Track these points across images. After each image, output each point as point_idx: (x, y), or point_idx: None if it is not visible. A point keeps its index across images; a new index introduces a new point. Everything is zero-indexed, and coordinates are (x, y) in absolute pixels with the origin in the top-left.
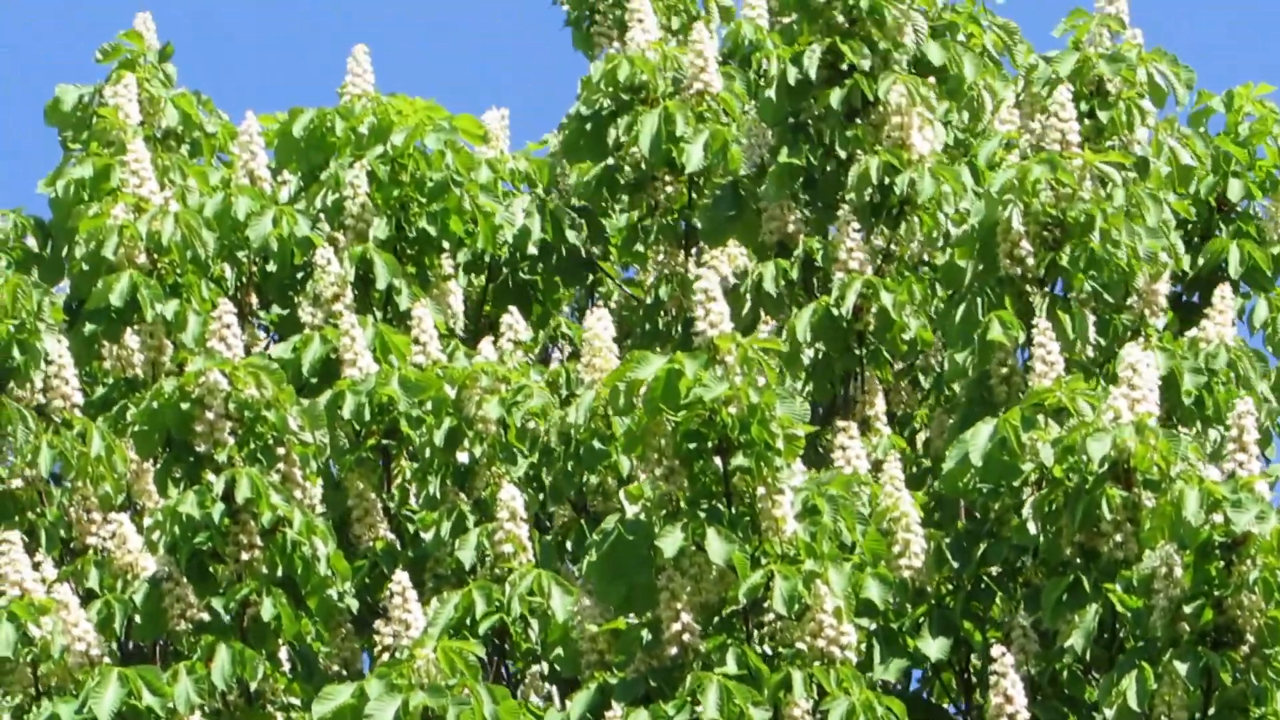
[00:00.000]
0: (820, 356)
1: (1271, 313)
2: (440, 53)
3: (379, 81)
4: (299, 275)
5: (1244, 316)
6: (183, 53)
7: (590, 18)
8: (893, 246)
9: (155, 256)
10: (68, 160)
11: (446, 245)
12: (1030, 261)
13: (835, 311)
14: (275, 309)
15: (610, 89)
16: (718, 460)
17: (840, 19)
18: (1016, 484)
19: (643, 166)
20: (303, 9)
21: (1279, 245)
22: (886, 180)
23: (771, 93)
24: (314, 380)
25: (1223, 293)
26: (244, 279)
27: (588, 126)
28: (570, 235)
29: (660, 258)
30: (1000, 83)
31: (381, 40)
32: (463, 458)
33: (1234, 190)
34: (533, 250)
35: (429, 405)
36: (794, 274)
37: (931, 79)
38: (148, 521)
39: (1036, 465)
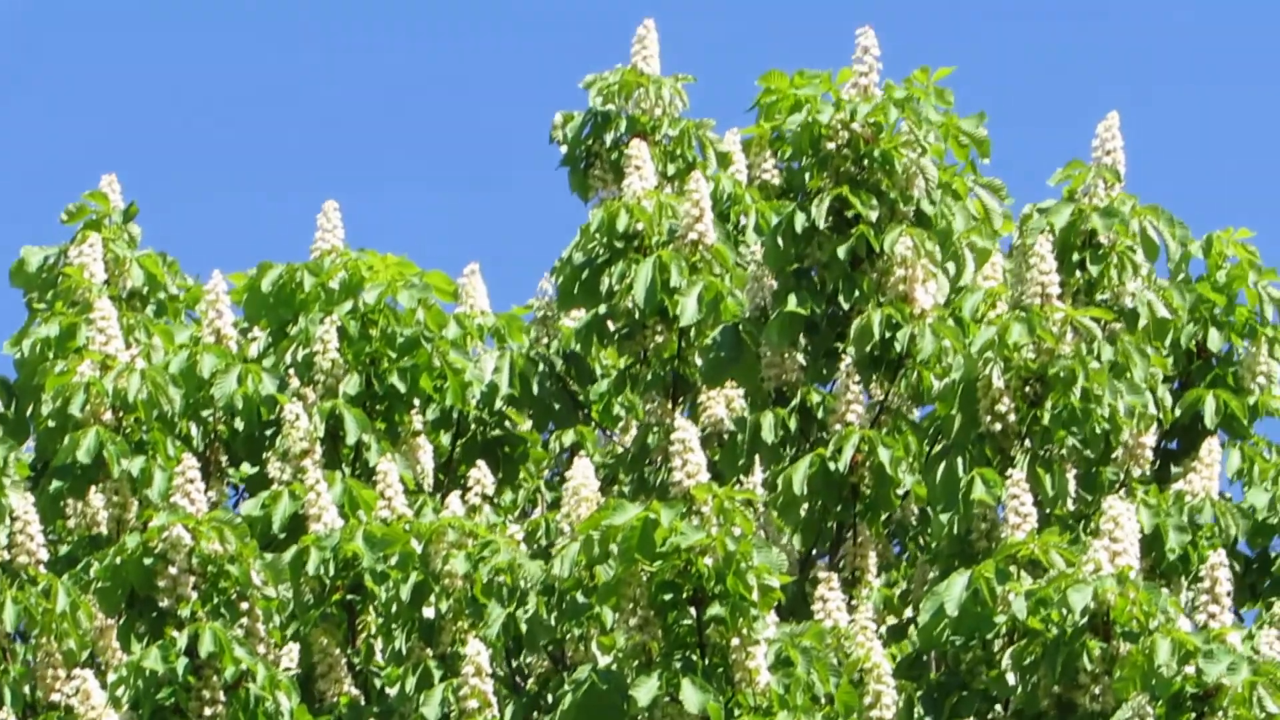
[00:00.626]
0: (815, 508)
1: (1243, 462)
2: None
3: (350, 235)
4: (268, 432)
5: (1222, 465)
6: (149, 211)
7: (587, 160)
8: (891, 400)
9: (121, 413)
10: (33, 320)
11: (416, 401)
12: (1011, 418)
13: (831, 465)
14: (244, 466)
15: (606, 237)
16: (692, 610)
17: (850, 167)
18: (990, 636)
19: (635, 315)
20: (272, 165)
21: (1256, 394)
22: (888, 335)
23: (778, 239)
24: (283, 536)
25: (1210, 446)
26: (210, 436)
27: (583, 274)
28: (539, 391)
29: (649, 408)
30: (986, 239)
31: (352, 195)
32: (428, 613)
33: (1213, 339)
34: (501, 407)
35: (394, 560)
36: (791, 423)
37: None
38: (111, 677)
39: (1009, 617)
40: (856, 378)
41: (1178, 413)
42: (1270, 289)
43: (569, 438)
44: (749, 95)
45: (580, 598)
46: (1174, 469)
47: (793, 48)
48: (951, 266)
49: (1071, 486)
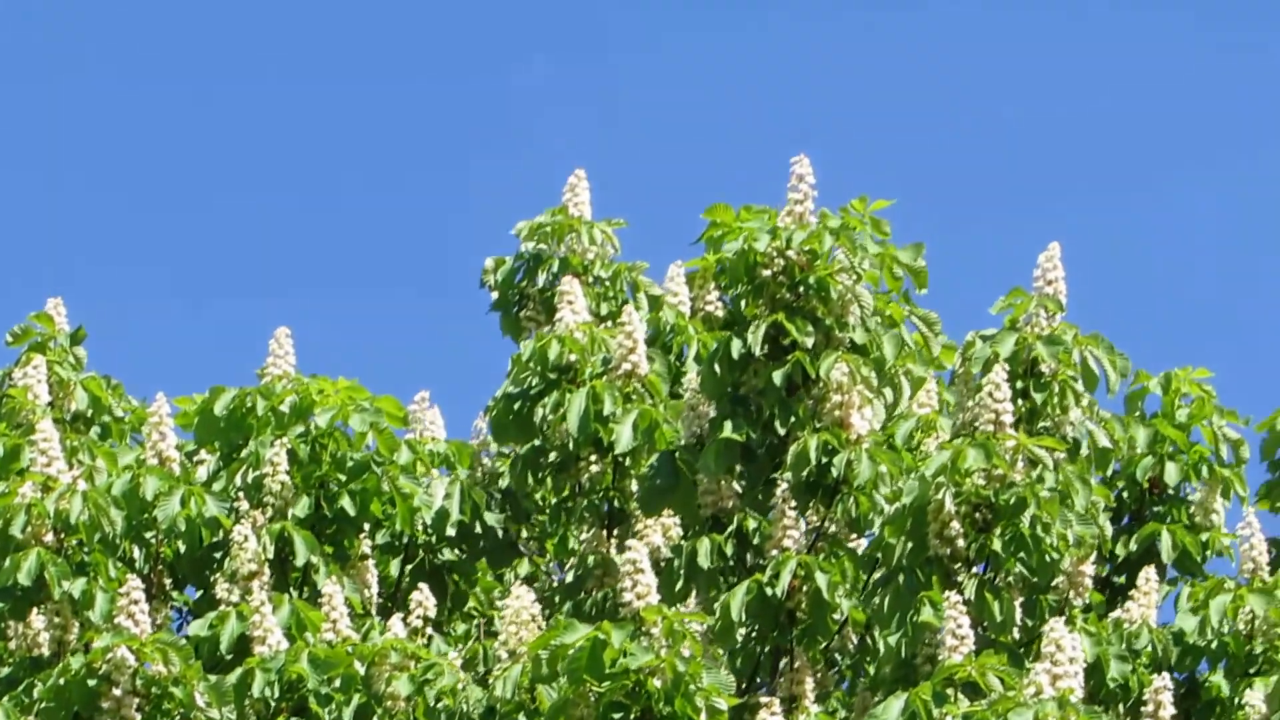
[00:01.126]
0: (752, 634)
1: (1193, 599)
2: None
3: (301, 359)
4: (216, 554)
5: (1173, 601)
6: (97, 336)
7: (519, 303)
8: (827, 525)
9: (63, 535)
10: None
11: (366, 525)
12: (960, 543)
13: (769, 590)
14: (190, 589)
15: (539, 368)
16: None
17: (786, 294)
18: None
19: (569, 446)
20: (225, 293)
21: (1209, 531)
22: (824, 460)
23: (715, 366)
24: (230, 657)
25: (1147, 574)
26: (153, 559)
27: (516, 405)
28: (489, 518)
29: (585, 538)
30: (920, 367)
31: (304, 321)
32: None
33: (1170, 473)
34: (451, 533)
35: (338, 682)
36: (728, 549)
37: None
38: None
39: None
40: (793, 503)
41: (1133, 546)
42: (1228, 430)
43: (524, 568)
44: (686, 234)
45: (523, 718)
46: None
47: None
48: (888, 393)
49: (1018, 615)
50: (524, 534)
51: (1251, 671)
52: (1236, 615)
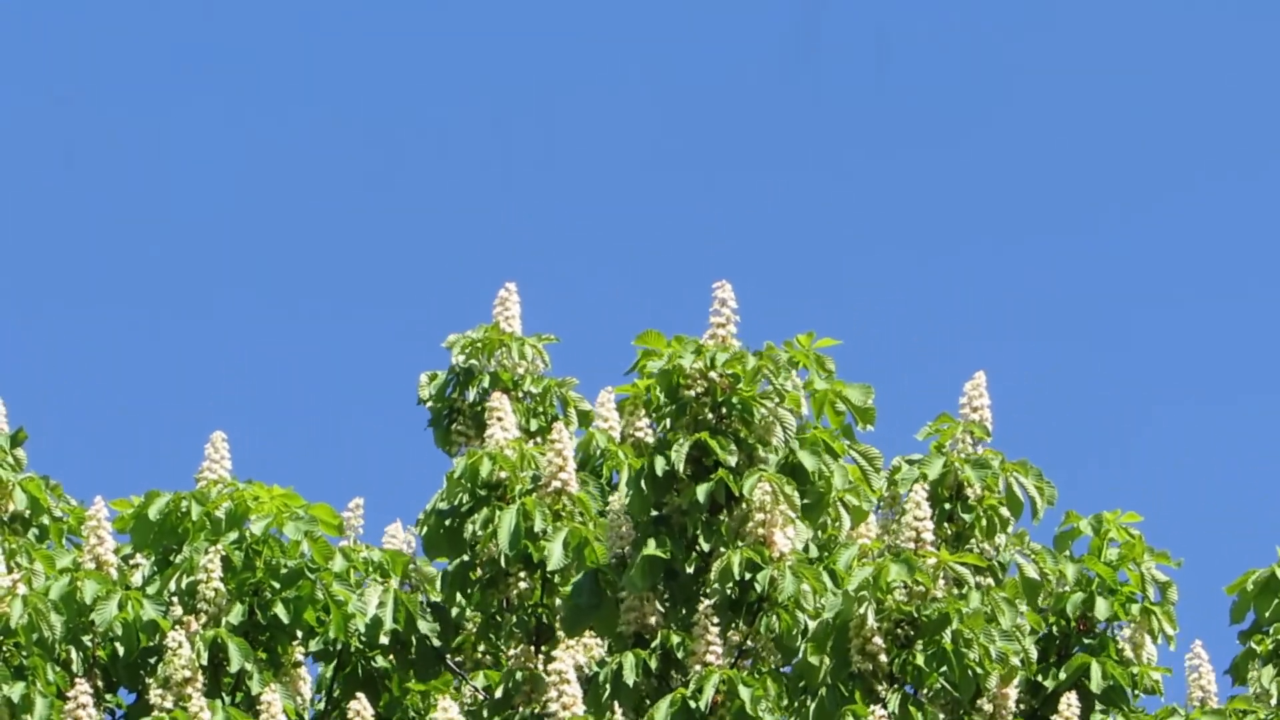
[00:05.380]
0: None
1: None
2: (296, 439)
3: (236, 465)
4: (151, 658)
5: None
6: (34, 433)
7: (451, 417)
8: (750, 642)
9: (2, 639)
10: None
11: (299, 632)
12: (883, 658)
13: (692, 704)
14: (121, 692)
15: (470, 484)
16: None
17: (709, 414)
18: None
19: (499, 562)
20: (160, 392)
21: (1136, 667)
22: (747, 576)
23: (641, 484)
24: None
25: (1069, 700)
26: (89, 662)
27: (446, 522)
28: (423, 626)
29: (512, 654)
30: (862, 501)
31: (239, 426)
32: None
33: (1100, 609)
34: (384, 640)
35: None
36: (652, 664)
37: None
38: None
39: None
40: (715, 619)
41: (1062, 676)
42: (1156, 572)
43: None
44: (619, 354)
45: None
46: None
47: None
48: (828, 523)
49: None
50: (460, 644)
51: None
52: None
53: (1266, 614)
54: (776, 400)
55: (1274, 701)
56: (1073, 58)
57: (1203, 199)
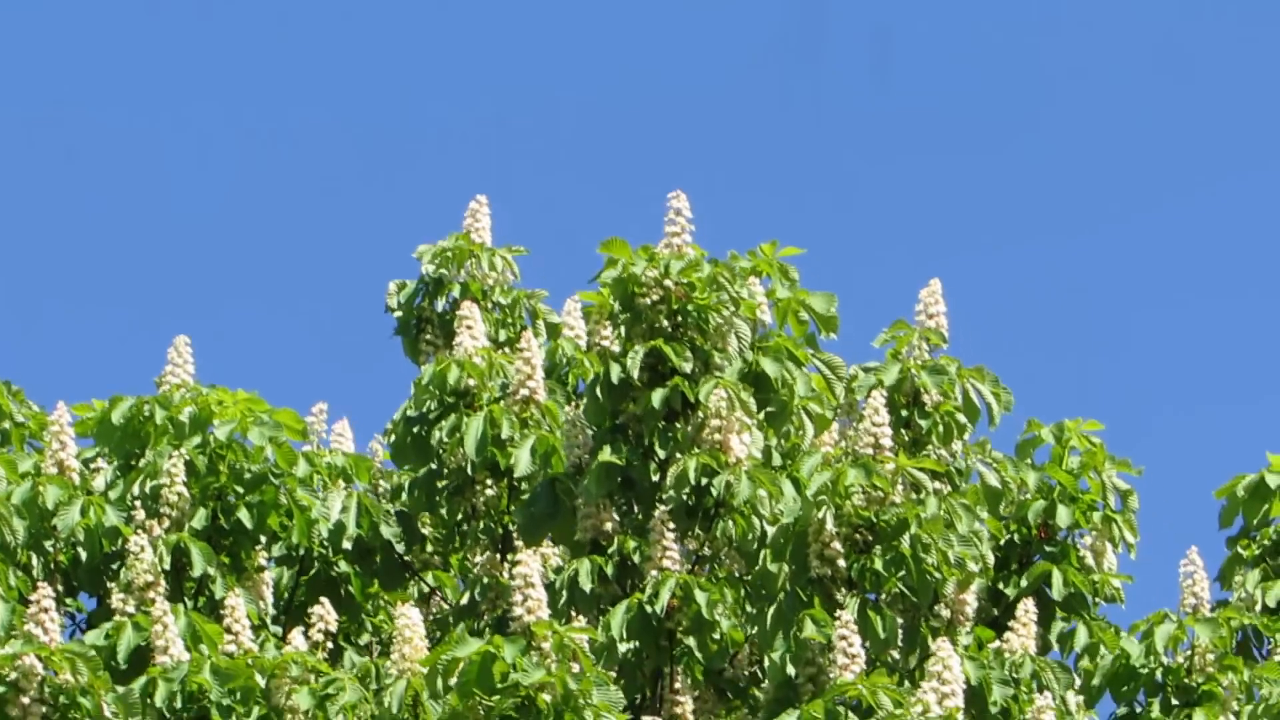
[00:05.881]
0: (632, 653)
1: (1091, 638)
2: (263, 343)
3: (202, 369)
4: (113, 564)
5: (1060, 641)
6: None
7: (420, 326)
8: (706, 548)
9: None
10: None
11: (262, 537)
12: (841, 563)
13: (649, 609)
14: (82, 597)
15: (438, 392)
16: None
17: (665, 323)
18: None
19: (466, 470)
20: (124, 298)
21: (1097, 575)
22: (704, 482)
23: (597, 392)
24: (125, 668)
25: (1026, 606)
26: (51, 567)
27: (415, 429)
28: (386, 532)
29: (478, 561)
30: (825, 409)
31: (203, 329)
32: None
33: (1062, 517)
34: (347, 546)
35: (239, 694)
36: (609, 571)
37: (751, 387)
38: None
39: None
40: (672, 524)
41: (1023, 584)
42: (1117, 480)
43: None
44: (586, 264)
45: None
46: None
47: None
48: (791, 431)
49: (900, 637)
50: (423, 552)
51: (1192, 701)
52: (1177, 646)
53: (1255, 519)
54: (732, 308)
55: (1258, 607)
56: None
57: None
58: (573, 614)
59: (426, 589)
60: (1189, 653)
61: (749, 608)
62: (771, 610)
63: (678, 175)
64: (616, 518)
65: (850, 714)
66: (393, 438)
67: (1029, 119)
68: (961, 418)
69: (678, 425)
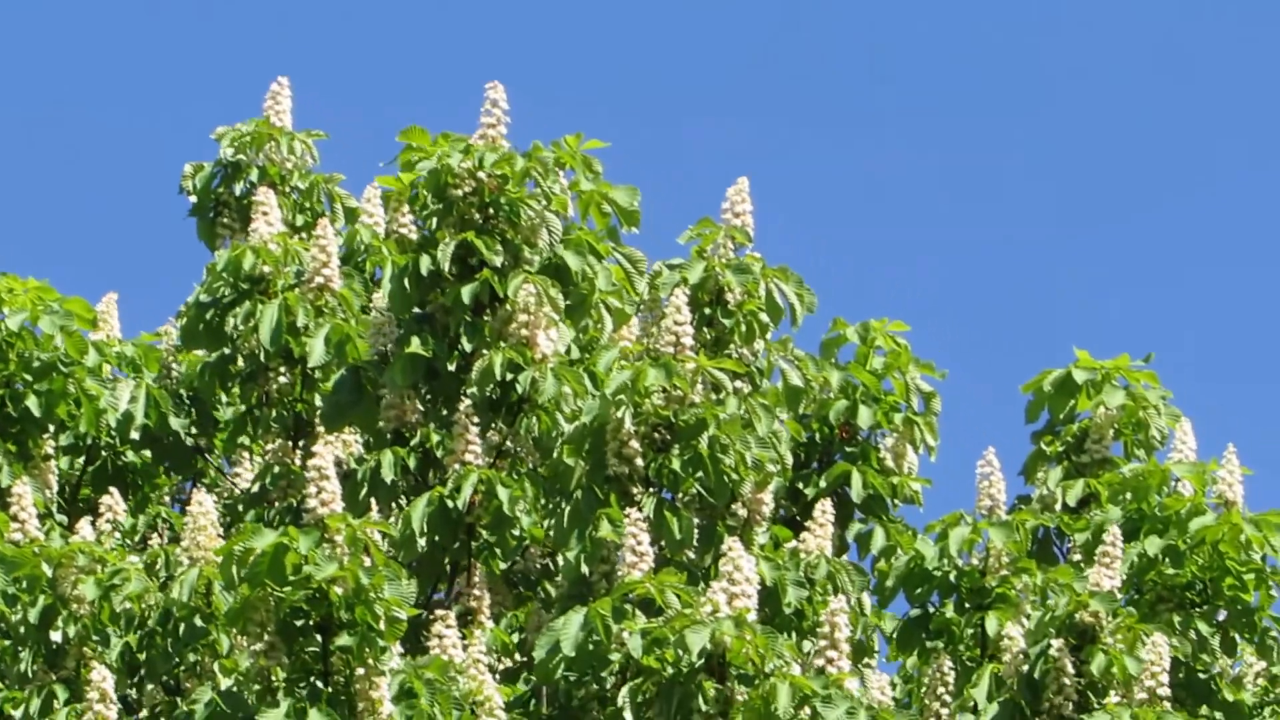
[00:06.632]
0: (431, 546)
1: (889, 540)
2: (52, 231)
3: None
4: None
5: (858, 541)
6: None
7: (216, 209)
8: (508, 443)
9: None
10: None
11: (50, 426)
12: (639, 462)
13: (450, 503)
14: None
15: (232, 278)
16: (319, 638)
17: (476, 215)
18: (605, 674)
19: (259, 356)
20: None
21: (897, 476)
22: (509, 377)
23: (405, 282)
24: None
25: (824, 507)
26: None
27: (207, 315)
28: (175, 423)
29: (270, 448)
30: (625, 304)
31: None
32: (55, 636)
33: (863, 417)
34: (135, 436)
35: (25, 583)
36: (411, 463)
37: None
38: None
39: (624, 655)
40: (475, 419)
41: (822, 485)
42: (921, 382)
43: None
44: (386, 152)
45: (199, 623)
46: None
47: (435, 109)
48: (590, 325)
49: (695, 537)
50: (211, 441)
51: (986, 604)
52: (972, 548)
53: (1060, 415)
54: (544, 203)
55: (1059, 505)
56: None
57: None
58: (373, 505)
59: (217, 474)
60: (984, 555)
61: (548, 504)
62: (568, 508)
63: (486, 64)
64: (420, 409)
65: (639, 612)
66: (184, 321)
67: None
68: (764, 317)
69: (485, 319)
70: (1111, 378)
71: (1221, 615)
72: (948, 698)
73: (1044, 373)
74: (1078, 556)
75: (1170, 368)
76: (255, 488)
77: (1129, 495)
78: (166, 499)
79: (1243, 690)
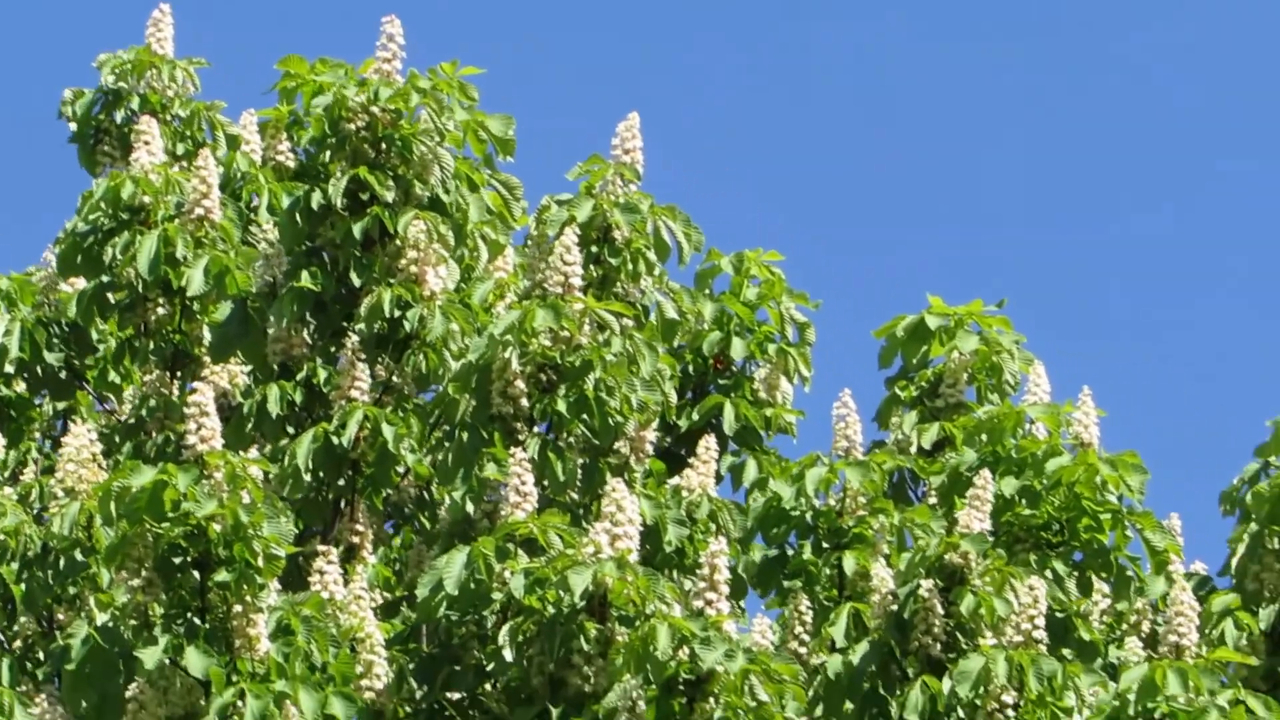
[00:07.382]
0: (316, 481)
1: (761, 472)
2: None
3: None
4: None
5: (731, 473)
6: None
7: (97, 136)
8: (395, 379)
9: None
10: None
11: None
12: (524, 402)
13: (335, 439)
14: None
15: (111, 208)
16: (196, 574)
17: (369, 150)
18: (486, 612)
19: (138, 287)
20: None
21: (771, 408)
22: (397, 314)
23: (296, 215)
24: None
25: (707, 444)
26: None
27: (85, 243)
28: (50, 356)
29: (148, 379)
30: (501, 233)
31: None
32: None
33: (737, 349)
34: (9, 370)
35: None
36: (297, 398)
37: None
38: None
39: (506, 595)
40: (363, 355)
41: (695, 417)
42: (795, 312)
43: (65, 404)
44: (264, 80)
45: (79, 557)
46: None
47: (316, 38)
48: (466, 254)
49: (578, 478)
50: (80, 369)
51: (843, 544)
52: (829, 489)
53: (914, 360)
54: (437, 139)
55: (914, 449)
56: None
57: None
58: (259, 438)
59: (89, 410)
60: (840, 495)
61: (431, 440)
62: (453, 448)
63: None
64: (308, 343)
65: (521, 552)
66: (61, 249)
67: None
68: (651, 256)
69: (375, 254)
70: (964, 323)
71: (1078, 556)
72: (805, 637)
73: (897, 318)
74: (933, 499)
75: (1023, 313)
76: (132, 419)
77: (984, 438)
78: (38, 434)
79: (1091, 628)
